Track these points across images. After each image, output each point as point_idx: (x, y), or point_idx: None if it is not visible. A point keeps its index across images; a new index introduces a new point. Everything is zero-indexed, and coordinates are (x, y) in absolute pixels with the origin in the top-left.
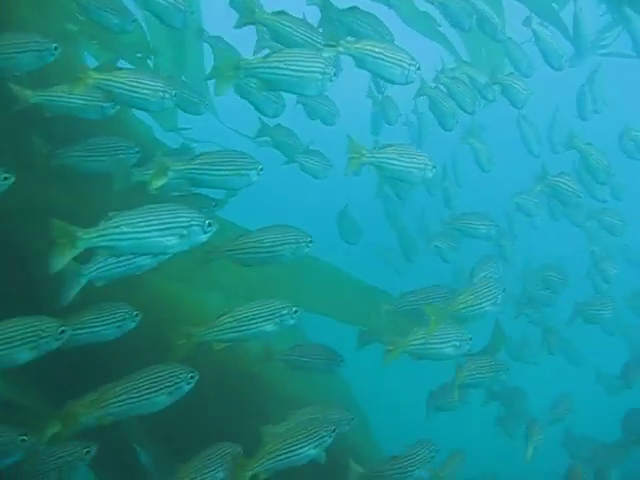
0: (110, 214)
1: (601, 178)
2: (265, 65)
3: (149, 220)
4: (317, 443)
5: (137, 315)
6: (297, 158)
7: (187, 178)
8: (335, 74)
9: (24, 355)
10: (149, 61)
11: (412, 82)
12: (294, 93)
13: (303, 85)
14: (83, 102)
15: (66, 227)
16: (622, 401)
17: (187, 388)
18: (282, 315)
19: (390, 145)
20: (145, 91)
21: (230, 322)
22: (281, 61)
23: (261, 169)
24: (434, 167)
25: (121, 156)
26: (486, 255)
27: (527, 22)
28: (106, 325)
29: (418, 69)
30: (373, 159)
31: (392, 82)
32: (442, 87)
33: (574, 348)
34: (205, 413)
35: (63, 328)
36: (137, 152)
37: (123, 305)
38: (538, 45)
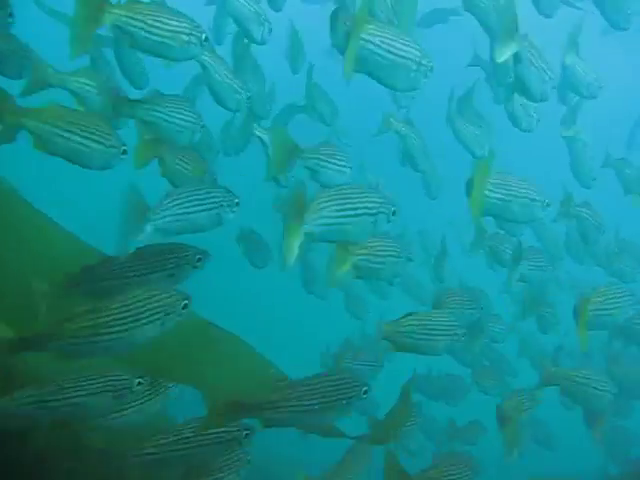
0: (318, 195)
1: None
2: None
3: (353, 203)
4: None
5: None
6: None
7: None
8: (431, 68)
9: (150, 333)
10: None
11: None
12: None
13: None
14: None
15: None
16: None
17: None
18: (456, 335)
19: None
20: (166, 34)
21: (415, 325)
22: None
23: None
24: (549, 205)
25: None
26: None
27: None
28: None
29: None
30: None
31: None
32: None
33: None
34: None
35: (186, 302)
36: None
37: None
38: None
